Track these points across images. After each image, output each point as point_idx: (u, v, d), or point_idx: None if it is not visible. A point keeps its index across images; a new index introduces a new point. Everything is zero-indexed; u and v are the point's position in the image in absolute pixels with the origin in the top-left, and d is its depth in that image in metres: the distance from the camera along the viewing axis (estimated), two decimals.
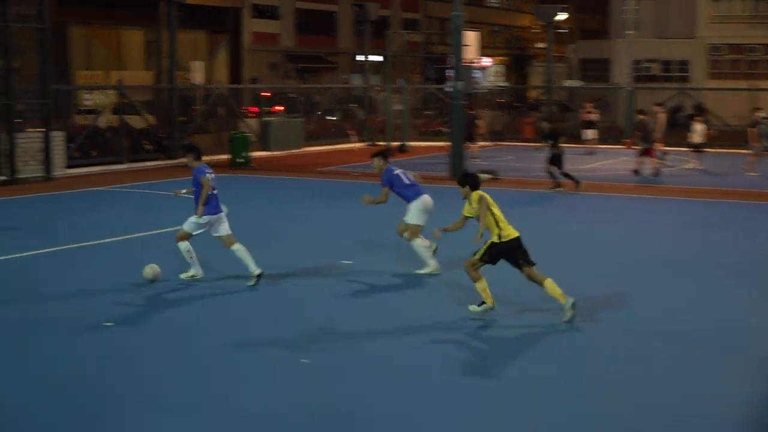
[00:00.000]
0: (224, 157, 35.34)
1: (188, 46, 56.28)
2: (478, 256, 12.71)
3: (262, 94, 45.82)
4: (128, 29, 57.75)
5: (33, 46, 30.25)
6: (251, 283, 14.52)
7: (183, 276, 14.72)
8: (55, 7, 45.02)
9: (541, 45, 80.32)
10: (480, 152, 37.16)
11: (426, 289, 14.57)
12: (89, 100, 36.01)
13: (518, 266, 12.74)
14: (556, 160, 27.12)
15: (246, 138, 35.46)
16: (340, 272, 15.67)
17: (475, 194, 12.93)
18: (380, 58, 57.36)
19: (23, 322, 12.44)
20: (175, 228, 19.83)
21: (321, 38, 71.93)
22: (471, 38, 31.61)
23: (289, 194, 26.61)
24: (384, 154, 16.45)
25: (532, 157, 33.30)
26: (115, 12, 54.50)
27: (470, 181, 13.14)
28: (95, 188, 27.53)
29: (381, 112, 47.13)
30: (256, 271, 14.55)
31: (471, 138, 34.79)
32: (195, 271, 14.74)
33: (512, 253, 12.69)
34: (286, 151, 39.69)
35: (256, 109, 43.85)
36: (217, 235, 14.79)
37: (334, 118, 48.12)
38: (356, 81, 59.24)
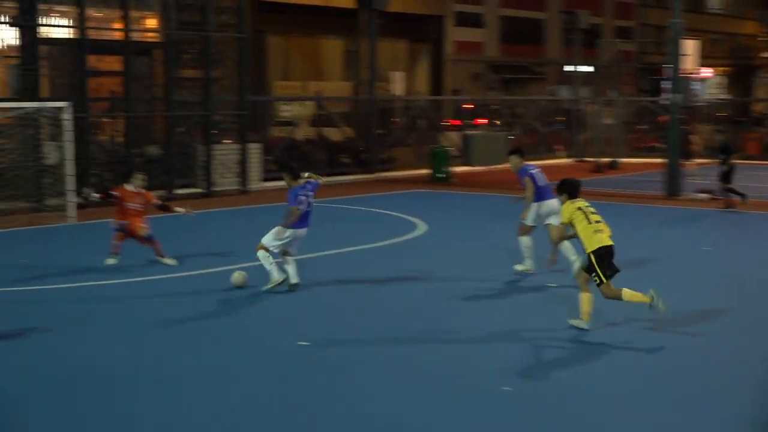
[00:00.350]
0: (424, 171, 35.67)
1: (388, 55, 57.05)
2: (600, 279, 12.68)
3: (464, 106, 46.06)
4: (327, 38, 59.00)
5: (231, 55, 31.24)
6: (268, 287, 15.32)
7: (266, 287, 15.23)
8: (254, 15, 46.40)
9: None
10: (698, 170, 36.30)
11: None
12: (286, 111, 36.99)
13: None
14: (726, 176, 26.52)
15: (447, 152, 35.69)
16: (547, 296, 15.54)
17: (567, 206, 13.18)
18: (590, 69, 56.82)
19: (211, 352, 12.83)
20: (369, 246, 20.19)
21: (527, 47, 71.77)
22: (690, 47, 30.96)
23: (490, 211, 26.55)
24: (520, 151, 17.32)
25: (755, 176, 32.42)
26: (313, 20, 55.77)
27: (567, 189, 13.40)
28: None
29: (590, 126, 46.64)
30: (293, 280, 15.52)
31: (685, 155, 34.09)
32: (277, 277, 15.30)
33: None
34: (488, 167, 39.74)
35: (457, 122, 44.10)
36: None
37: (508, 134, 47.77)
38: (564, 93, 58.85)
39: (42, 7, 27.41)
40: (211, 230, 22.58)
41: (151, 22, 33.98)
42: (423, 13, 62.15)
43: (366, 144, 37.34)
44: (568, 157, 45.13)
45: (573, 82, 49.22)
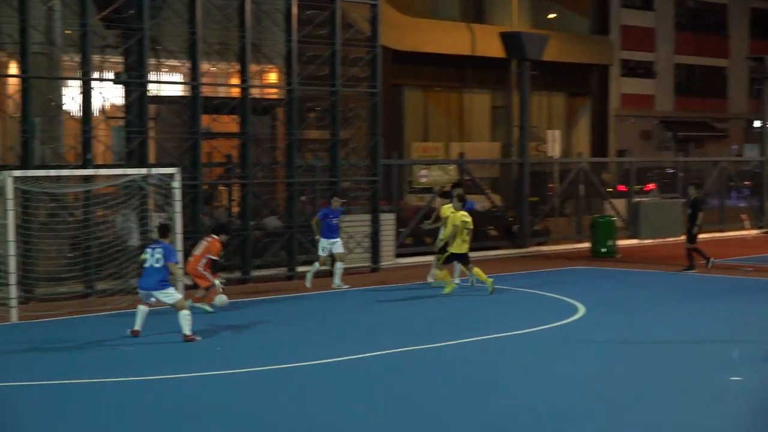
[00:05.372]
0: (584, 245, 35.38)
1: (543, 111, 57.01)
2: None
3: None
4: (472, 92, 59.20)
5: (363, 113, 31.48)
6: None
7: None
8: (390, 67, 46.84)
9: None
10: None
11: None
12: (425, 176, 37.16)
13: None
14: None
15: (611, 223, 35.34)
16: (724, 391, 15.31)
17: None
18: None
19: None
20: (517, 332, 20.11)
21: (706, 100, 70.98)
22: None
23: (659, 292, 26.21)
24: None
25: None
26: (457, 72, 56.08)
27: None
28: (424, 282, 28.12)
29: None
30: None
31: None
32: None
33: None
34: (659, 240, 39.16)
35: (623, 188, 43.67)
36: None
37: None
38: (751, 153, 57.87)
39: (151, 61, 27.96)
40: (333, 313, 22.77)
41: (272, 77, 34.54)
42: (584, 63, 61.94)
43: (516, 214, 37.20)
44: (756, 227, 44.29)
45: (762, 140, 48.35)
